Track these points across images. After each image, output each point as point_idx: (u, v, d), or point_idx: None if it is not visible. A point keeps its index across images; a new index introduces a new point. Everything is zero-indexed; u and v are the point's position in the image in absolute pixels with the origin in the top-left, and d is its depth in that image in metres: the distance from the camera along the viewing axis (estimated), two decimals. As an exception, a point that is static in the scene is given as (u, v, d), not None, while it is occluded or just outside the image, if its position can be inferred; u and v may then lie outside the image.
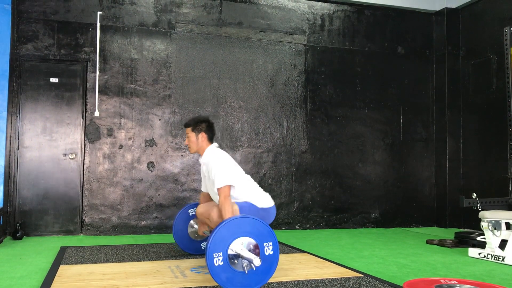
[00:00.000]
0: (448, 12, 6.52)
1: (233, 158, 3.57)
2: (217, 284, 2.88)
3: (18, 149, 5.14)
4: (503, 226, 3.95)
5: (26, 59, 5.22)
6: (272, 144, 5.95)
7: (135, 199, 5.42)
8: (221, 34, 5.86)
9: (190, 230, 3.95)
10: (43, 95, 5.24)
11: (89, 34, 5.40)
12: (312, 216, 6.03)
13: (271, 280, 2.91)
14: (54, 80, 5.27)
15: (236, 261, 2.65)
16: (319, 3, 6.27)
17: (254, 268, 2.63)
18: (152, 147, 5.52)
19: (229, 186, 3.15)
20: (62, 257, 3.78)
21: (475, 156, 6.15)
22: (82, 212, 5.25)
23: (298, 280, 3.01)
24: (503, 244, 3.88)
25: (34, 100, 5.21)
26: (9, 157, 5.09)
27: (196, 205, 3.93)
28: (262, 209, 3.32)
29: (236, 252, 2.64)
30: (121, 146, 5.43)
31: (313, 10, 6.24)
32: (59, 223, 5.19)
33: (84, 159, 5.30)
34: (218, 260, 2.59)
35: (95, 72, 5.36)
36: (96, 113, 5.31)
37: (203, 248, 3.94)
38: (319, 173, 6.10)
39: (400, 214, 6.38)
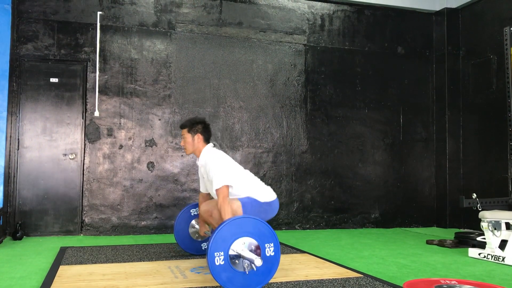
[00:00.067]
0: (448, 12, 6.52)
1: (233, 158, 3.57)
2: (217, 284, 2.88)
3: (18, 149, 5.14)
4: (503, 226, 3.95)
5: (26, 59, 5.22)
6: (272, 144, 5.95)
7: (135, 199, 5.42)
8: (221, 34, 5.86)
9: (191, 230, 3.95)
10: (43, 95, 5.24)
11: (89, 34, 5.40)
12: (312, 216, 6.03)
13: (271, 280, 2.91)
14: (54, 80, 5.27)
15: (237, 261, 2.65)
16: (319, 3, 6.27)
17: (255, 269, 2.64)
18: (152, 147, 5.52)
19: (227, 187, 3.15)
20: (62, 258, 3.78)
21: (475, 156, 6.15)
22: (82, 212, 5.25)
23: (298, 281, 3.01)
24: (503, 244, 3.88)
25: (34, 100, 5.21)
26: (9, 157, 5.09)
27: (197, 205, 3.93)
28: (265, 203, 3.32)
29: (237, 252, 2.64)
30: (121, 146, 5.43)
31: (313, 10, 6.24)
32: (59, 224, 5.19)
33: (84, 159, 5.30)
34: (219, 260, 2.59)
35: (95, 72, 5.36)
36: (96, 113, 5.31)
37: (203, 248, 3.94)
38: (319, 173, 6.10)
39: (400, 214, 6.38)
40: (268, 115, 5.96)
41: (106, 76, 5.42)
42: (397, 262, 3.82)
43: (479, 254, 4.02)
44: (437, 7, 6.61)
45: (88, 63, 5.39)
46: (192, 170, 5.59)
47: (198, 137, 3.43)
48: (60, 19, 5.34)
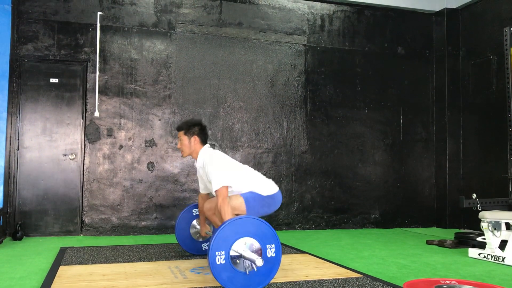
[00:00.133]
0: (448, 13, 6.52)
1: (233, 159, 3.57)
2: (218, 284, 2.88)
3: (18, 150, 5.14)
4: (503, 226, 3.95)
5: (26, 60, 5.22)
6: (272, 145, 5.95)
7: (135, 199, 5.42)
8: (221, 35, 5.86)
9: (192, 231, 3.95)
10: (43, 95, 5.24)
11: (89, 35, 5.41)
12: (312, 216, 6.03)
13: (271, 280, 2.91)
14: (54, 80, 5.27)
15: (238, 261, 2.65)
16: (319, 4, 6.27)
17: (256, 269, 2.64)
18: (152, 147, 5.52)
19: (227, 187, 3.14)
20: (62, 258, 3.78)
21: (475, 157, 6.15)
22: (82, 212, 5.25)
23: (298, 281, 3.01)
24: (503, 244, 3.88)
25: (34, 101, 5.21)
26: (9, 158, 5.09)
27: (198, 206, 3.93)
28: (268, 196, 3.32)
29: (238, 251, 2.64)
30: (121, 147, 5.43)
31: (313, 11, 6.25)
32: (59, 224, 5.19)
33: (84, 159, 5.30)
34: (220, 259, 2.59)
35: (95, 72, 5.36)
36: (96, 114, 5.31)
37: (203, 249, 3.94)
38: (319, 173, 6.10)
39: (400, 214, 6.38)
40: (268, 115, 5.96)
41: (106, 77, 5.43)
42: (397, 262, 3.83)
43: (479, 254, 4.02)
44: (437, 8, 6.61)
45: (88, 63, 5.39)
46: (192, 171, 5.59)
47: (195, 139, 3.43)
48: (60, 20, 5.34)
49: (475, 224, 4.92)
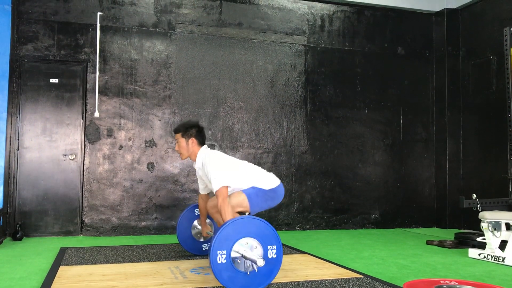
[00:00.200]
0: (448, 13, 6.52)
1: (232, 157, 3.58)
2: (218, 285, 2.88)
3: (18, 150, 5.14)
4: (503, 227, 3.95)
5: (26, 60, 5.22)
6: (272, 145, 5.95)
7: (135, 200, 5.42)
8: (221, 35, 5.86)
9: (193, 231, 3.96)
10: (43, 95, 5.24)
11: (89, 35, 5.41)
12: (312, 216, 6.03)
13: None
14: (54, 80, 5.27)
15: (239, 260, 2.65)
16: (319, 4, 6.27)
17: (256, 270, 2.64)
18: (152, 147, 5.52)
19: (226, 187, 3.14)
20: (62, 258, 3.78)
21: (475, 157, 6.15)
22: (82, 213, 5.25)
23: (298, 281, 3.01)
24: (503, 245, 3.88)
25: (34, 101, 5.21)
26: (9, 158, 5.09)
27: None
28: (270, 190, 3.33)
29: (239, 251, 2.64)
30: (121, 147, 5.43)
31: (313, 11, 6.25)
32: (59, 224, 5.19)
33: (84, 159, 5.30)
34: (221, 258, 2.60)
35: (95, 72, 5.36)
36: (96, 114, 5.31)
37: (204, 249, 3.94)
38: (319, 173, 6.10)
39: (400, 214, 6.38)
40: (268, 115, 5.96)
41: (106, 77, 5.43)
42: (397, 262, 3.82)
43: (479, 254, 4.02)
44: (437, 8, 6.61)
45: (88, 63, 5.39)
46: (192, 171, 5.59)
47: (192, 141, 3.42)
48: (60, 20, 5.34)
49: (475, 224, 4.93)
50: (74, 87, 5.34)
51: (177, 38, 5.71)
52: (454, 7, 6.50)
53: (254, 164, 5.77)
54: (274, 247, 2.73)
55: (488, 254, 3.93)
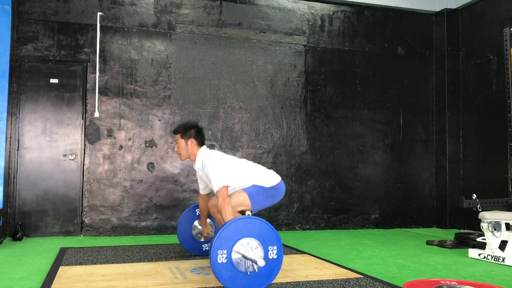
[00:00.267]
0: (448, 13, 6.52)
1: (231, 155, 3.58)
2: (218, 285, 2.88)
3: (18, 150, 5.14)
4: (503, 227, 3.95)
5: (26, 60, 5.22)
6: (272, 145, 5.95)
7: (135, 200, 5.42)
8: (221, 35, 5.86)
9: (194, 231, 3.96)
10: (43, 96, 5.24)
11: (89, 35, 5.41)
12: (312, 217, 6.03)
13: (271, 281, 2.91)
14: (54, 81, 5.27)
15: (239, 260, 2.65)
16: (319, 4, 6.27)
17: (257, 270, 2.64)
18: (152, 148, 5.52)
19: (226, 187, 3.14)
20: (62, 258, 3.78)
21: (475, 157, 6.15)
22: (82, 213, 5.25)
23: (298, 281, 3.01)
24: (503, 245, 3.88)
25: (34, 101, 5.21)
26: (9, 158, 5.09)
27: None
28: (271, 187, 3.33)
29: (240, 251, 2.64)
30: (121, 147, 5.43)
31: (313, 11, 6.25)
32: (59, 224, 5.19)
33: (84, 160, 5.30)
34: (221, 258, 2.60)
35: (95, 72, 5.36)
36: (96, 114, 5.31)
37: (204, 249, 3.94)
38: (319, 173, 6.10)
39: (400, 215, 6.38)
40: (268, 115, 5.96)
41: (106, 77, 5.43)
42: (397, 262, 3.82)
43: (479, 254, 4.02)
44: (437, 8, 6.61)
45: (88, 63, 5.39)
46: (192, 171, 5.59)
47: (192, 142, 3.42)
48: (60, 20, 5.34)
49: (475, 224, 4.93)
50: (74, 87, 5.34)
51: (177, 38, 5.71)
52: (454, 7, 6.50)
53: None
54: (275, 247, 2.73)
55: (488, 254, 3.93)
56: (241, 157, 5.69)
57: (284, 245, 4.57)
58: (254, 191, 3.27)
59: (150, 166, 5.50)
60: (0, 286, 2.95)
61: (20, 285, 3.00)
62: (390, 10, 6.55)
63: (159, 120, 5.57)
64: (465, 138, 6.33)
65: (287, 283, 2.96)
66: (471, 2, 6.26)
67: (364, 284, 2.95)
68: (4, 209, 4.95)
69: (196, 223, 3.96)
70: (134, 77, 5.52)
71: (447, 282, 2.93)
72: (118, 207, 5.37)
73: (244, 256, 2.65)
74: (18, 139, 5.14)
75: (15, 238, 4.85)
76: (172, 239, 5.03)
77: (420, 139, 6.57)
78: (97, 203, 5.30)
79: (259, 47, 5.99)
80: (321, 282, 2.99)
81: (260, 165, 3.50)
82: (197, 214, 3.96)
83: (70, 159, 5.27)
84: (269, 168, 5.76)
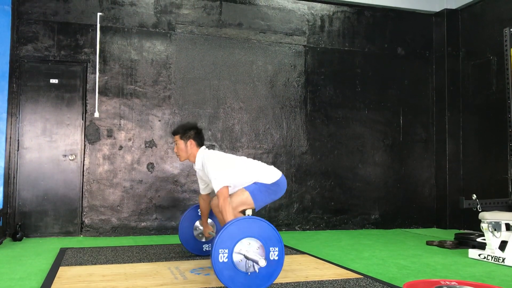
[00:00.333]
0: (447, 13, 6.53)
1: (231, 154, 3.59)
2: (217, 285, 2.88)
3: (18, 150, 5.14)
4: (503, 227, 3.95)
5: (26, 60, 5.22)
6: (272, 145, 5.95)
7: (135, 200, 5.42)
8: (221, 35, 5.86)
9: (195, 232, 3.96)
10: (43, 96, 5.24)
11: (89, 35, 5.41)
12: (312, 217, 6.03)
13: (271, 281, 2.91)
14: (54, 81, 5.27)
15: (240, 260, 2.65)
16: (319, 4, 6.27)
17: (257, 271, 2.64)
18: (152, 148, 5.52)
19: (227, 187, 3.14)
20: (62, 259, 3.78)
21: (475, 157, 6.15)
22: (82, 213, 5.25)
23: (298, 282, 3.01)
24: (503, 245, 3.88)
25: (34, 101, 5.21)
26: (9, 158, 5.09)
27: None
28: (272, 184, 3.34)
29: (241, 251, 2.64)
30: (121, 147, 5.43)
31: (313, 11, 6.25)
32: (59, 225, 5.19)
33: (84, 160, 5.30)
34: (223, 257, 2.60)
35: (95, 73, 5.36)
36: (96, 114, 5.31)
37: (204, 250, 3.94)
38: (319, 174, 6.10)
39: (400, 215, 6.38)
40: (268, 116, 5.96)
41: (106, 77, 5.43)
42: (397, 263, 3.82)
43: (479, 255, 4.02)
44: (437, 8, 6.61)
45: (88, 64, 5.39)
46: (192, 171, 5.59)
47: (191, 143, 3.43)
48: (60, 20, 5.34)
49: (475, 224, 4.92)
50: (74, 88, 5.34)
51: (177, 39, 5.71)
52: (454, 7, 6.50)
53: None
54: (276, 249, 2.73)
55: (488, 255, 3.93)
56: (241, 157, 5.70)
57: (284, 245, 4.57)
58: (256, 189, 3.28)
59: (150, 166, 5.50)
60: (0, 286, 2.95)
61: (20, 285, 3.00)
62: (390, 11, 6.55)
63: (159, 121, 5.57)
64: (465, 138, 6.33)
65: (287, 283, 2.96)
66: (471, 2, 6.26)
67: (364, 284, 2.95)
68: (4, 210, 4.95)
69: (197, 223, 3.96)
70: (134, 78, 5.52)
71: (447, 283, 2.93)
72: (118, 208, 5.37)
73: (245, 256, 2.65)
74: (18, 140, 5.14)
75: (15, 238, 4.85)
76: (172, 239, 5.03)
77: (420, 140, 6.57)
78: (97, 204, 5.30)
79: (259, 48, 5.99)
80: (321, 283, 2.99)
81: (260, 161, 3.51)
82: (198, 214, 3.96)
83: (70, 160, 5.27)
84: (269, 168, 5.83)
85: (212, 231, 3.86)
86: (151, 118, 5.55)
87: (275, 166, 5.81)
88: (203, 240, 3.97)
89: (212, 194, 3.66)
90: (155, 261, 3.72)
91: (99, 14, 5.39)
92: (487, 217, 3.99)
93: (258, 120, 5.92)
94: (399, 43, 6.57)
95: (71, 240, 5.01)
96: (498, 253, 3.86)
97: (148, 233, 5.43)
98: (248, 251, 2.65)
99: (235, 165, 3.34)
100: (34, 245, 4.64)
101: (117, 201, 5.37)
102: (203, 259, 3.82)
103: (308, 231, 5.96)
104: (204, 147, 3.48)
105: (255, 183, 3.31)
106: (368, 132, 6.34)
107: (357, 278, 3.12)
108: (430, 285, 2.86)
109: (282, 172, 5.81)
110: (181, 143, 3.44)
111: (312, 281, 3.04)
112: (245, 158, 3.51)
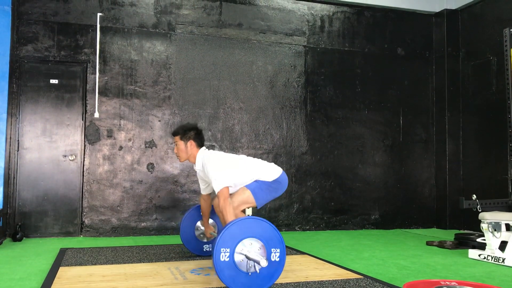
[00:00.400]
0: (447, 14, 6.53)
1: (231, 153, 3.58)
2: (217, 286, 2.88)
3: (18, 151, 5.14)
4: (503, 227, 3.95)
5: (26, 61, 5.22)
6: (272, 146, 5.95)
7: (135, 200, 5.42)
8: (221, 36, 5.86)
9: (197, 232, 3.96)
10: (43, 96, 5.24)
11: (89, 36, 5.41)
12: (312, 217, 6.03)
13: (271, 281, 2.91)
14: (54, 81, 5.27)
15: (242, 260, 2.65)
16: (318, 5, 6.28)
17: (258, 271, 2.64)
18: (152, 148, 5.52)
19: (227, 188, 3.14)
20: (62, 259, 3.78)
21: (475, 157, 6.15)
22: (82, 213, 5.25)
23: (298, 282, 3.01)
24: (503, 245, 3.88)
25: (34, 102, 5.21)
26: (9, 159, 5.09)
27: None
28: (273, 181, 3.34)
29: (243, 252, 2.65)
30: (121, 148, 5.43)
31: (312, 12, 6.25)
32: (59, 225, 5.19)
33: (84, 160, 5.30)
34: (224, 256, 2.60)
35: (95, 73, 5.36)
36: (96, 115, 5.31)
37: (204, 250, 3.94)
38: (319, 174, 6.10)
39: (400, 215, 6.38)
40: (268, 116, 5.96)
41: (106, 78, 5.43)
42: (397, 263, 3.82)
43: (479, 255, 4.02)
44: (437, 9, 6.62)
45: (88, 64, 5.39)
46: (192, 172, 5.59)
47: (191, 144, 3.43)
48: (60, 21, 5.34)
49: (475, 225, 4.92)
50: (74, 88, 5.34)
51: (177, 39, 5.71)
52: (453, 7, 6.50)
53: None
54: (278, 250, 2.73)
55: (488, 255, 3.93)
56: (241, 157, 5.70)
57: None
58: (257, 187, 3.29)
59: (150, 166, 5.50)
60: (0, 287, 2.95)
61: (20, 285, 3.00)
62: (390, 11, 6.55)
63: (159, 121, 5.57)
64: (465, 138, 6.33)
65: (287, 283, 2.96)
66: (471, 2, 6.27)
67: (364, 284, 2.95)
68: (4, 210, 4.95)
69: (199, 223, 3.97)
70: (134, 78, 5.53)
71: (447, 283, 2.93)
72: (118, 208, 5.37)
73: (246, 257, 2.65)
74: (18, 140, 5.14)
75: (15, 238, 4.84)
76: (172, 239, 5.03)
77: (420, 140, 6.57)
78: (97, 204, 5.30)
79: (259, 48, 5.99)
80: (321, 283, 2.99)
81: (260, 159, 3.51)
82: (200, 214, 3.96)
83: (70, 160, 5.27)
84: (269, 168, 5.83)
85: (214, 231, 3.86)
86: (151, 118, 5.55)
87: (275, 166, 5.87)
88: (205, 240, 3.97)
89: (213, 194, 3.66)
90: (155, 262, 3.72)
91: (99, 14, 5.39)
92: (487, 217, 3.99)
93: (258, 120, 5.92)
94: (399, 44, 6.57)
95: (71, 240, 5.01)
96: (498, 253, 3.86)
97: (148, 233, 5.43)
98: (250, 251, 2.65)
99: (236, 164, 3.34)
100: (34, 245, 4.64)
101: (117, 201, 5.37)
102: (203, 259, 3.82)
103: (308, 231, 5.96)
104: (204, 147, 3.48)
105: (256, 181, 3.31)
106: (368, 132, 6.34)
107: (357, 279, 3.12)
108: (430, 286, 2.86)
109: (282, 173, 5.88)
110: (181, 143, 3.44)
111: (312, 281, 3.04)
112: (245, 156, 3.52)
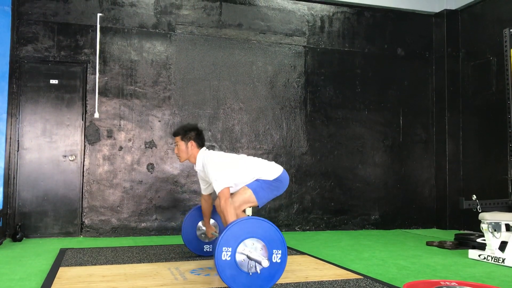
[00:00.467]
0: (447, 14, 6.53)
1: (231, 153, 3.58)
2: (217, 286, 2.88)
3: (18, 151, 5.14)
4: (503, 227, 3.95)
5: (26, 61, 5.22)
6: (272, 146, 5.95)
7: (134, 201, 5.42)
8: (221, 36, 5.86)
9: (198, 232, 3.96)
10: (43, 96, 5.24)
11: (89, 36, 5.41)
12: (312, 217, 6.03)
13: (271, 282, 2.91)
14: (54, 81, 5.28)
15: (243, 260, 2.65)
16: (318, 5, 6.28)
17: (259, 272, 2.64)
18: (152, 148, 5.52)
19: (228, 188, 3.14)
20: (62, 259, 3.78)
21: (475, 158, 6.15)
22: (81, 214, 5.25)
23: (298, 282, 3.01)
24: (503, 245, 3.88)
25: (34, 102, 5.21)
26: (9, 159, 5.09)
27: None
28: (274, 180, 3.35)
29: (245, 252, 2.65)
30: (121, 148, 5.43)
31: (312, 12, 6.25)
32: (59, 225, 5.19)
33: (84, 160, 5.30)
34: (226, 255, 2.60)
35: (95, 73, 5.37)
36: (96, 115, 5.31)
37: (205, 250, 3.94)
38: (319, 174, 6.10)
39: (400, 215, 6.38)
40: (268, 116, 5.96)
41: (106, 78, 5.43)
42: (397, 263, 3.82)
43: (479, 255, 4.02)
44: (437, 9, 6.62)
45: (88, 64, 5.39)
46: (192, 172, 5.59)
47: (192, 144, 3.43)
48: (60, 21, 5.34)
49: (475, 225, 4.92)
50: (74, 88, 5.34)
51: (177, 39, 5.71)
52: (453, 8, 6.50)
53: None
54: (279, 251, 2.73)
55: (488, 255, 3.93)
56: (241, 158, 5.70)
57: (284, 246, 4.57)
58: (258, 186, 3.29)
59: (150, 167, 5.50)
60: (0, 287, 2.95)
61: (20, 286, 3.00)
62: (390, 11, 6.55)
63: (159, 121, 5.57)
64: (465, 139, 6.33)
65: (287, 284, 2.96)
66: (470, 3, 6.27)
67: (364, 285, 2.95)
68: (4, 210, 4.95)
69: (200, 223, 3.97)
70: (134, 78, 5.53)
71: (447, 283, 2.93)
72: (118, 208, 5.36)
73: (248, 257, 2.65)
74: (18, 140, 5.14)
75: (15, 239, 4.84)
76: (172, 240, 5.03)
77: (420, 140, 6.57)
78: (97, 204, 5.30)
79: (259, 48, 6.00)
80: (321, 283, 2.99)
81: (260, 158, 3.51)
82: (201, 214, 3.96)
83: (70, 160, 5.27)
84: (269, 169, 5.82)
85: (215, 232, 3.87)
86: (151, 118, 5.55)
87: (275, 166, 5.86)
88: (206, 240, 3.97)
89: (214, 195, 3.66)
90: (155, 262, 3.72)
91: (99, 14, 5.39)
92: (487, 217, 3.99)
93: (258, 120, 5.92)
94: (399, 44, 6.58)
95: (71, 240, 5.01)
96: (498, 253, 3.86)
97: (148, 233, 5.43)
98: (251, 251, 2.66)
99: (236, 164, 3.34)
100: (34, 245, 4.64)
101: (117, 201, 5.37)
102: (203, 259, 3.82)
103: (308, 231, 5.96)
104: (204, 148, 3.48)
105: (257, 180, 3.31)
106: (368, 132, 6.34)
107: (357, 279, 3.12)
108: (430, 286, 2.86)
109: (282, 173, 5.88)
110: (181, 144, 3.44)
111: (312, 281, 3.03)
112: (245, 155, 3.52)
